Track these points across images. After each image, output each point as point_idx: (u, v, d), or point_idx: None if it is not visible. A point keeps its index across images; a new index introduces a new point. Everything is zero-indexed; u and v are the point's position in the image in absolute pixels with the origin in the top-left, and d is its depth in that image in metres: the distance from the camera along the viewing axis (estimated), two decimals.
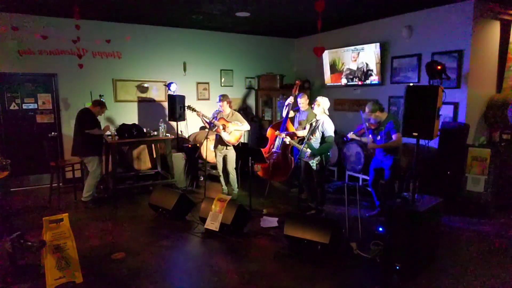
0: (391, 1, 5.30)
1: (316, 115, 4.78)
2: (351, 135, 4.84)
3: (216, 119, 5.53)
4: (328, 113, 4.80)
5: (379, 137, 4.65)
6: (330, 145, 4.68)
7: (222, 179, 5.88)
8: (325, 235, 3.63)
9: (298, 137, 5.25)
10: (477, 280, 3.30)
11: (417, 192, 3.50)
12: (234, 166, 5.73)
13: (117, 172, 5.96)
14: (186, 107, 5.82)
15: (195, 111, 5.50)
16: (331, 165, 6.67)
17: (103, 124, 5.94)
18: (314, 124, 4.75)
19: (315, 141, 4.74)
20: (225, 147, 5.62)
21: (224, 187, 5.88)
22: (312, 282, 3.30)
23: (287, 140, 4.99)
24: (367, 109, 4.65)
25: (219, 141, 5.63)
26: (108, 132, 5.66)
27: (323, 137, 4.70)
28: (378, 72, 6.41)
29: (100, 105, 5.48)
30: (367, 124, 4.67)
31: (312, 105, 4.88)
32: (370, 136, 4.72)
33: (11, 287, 3.18)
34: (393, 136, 4.47)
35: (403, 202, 3.46)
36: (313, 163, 4.73)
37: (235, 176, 5.78)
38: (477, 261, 3.66)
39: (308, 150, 4.70)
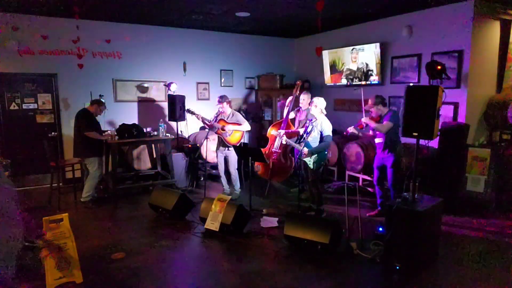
0: (391, 1, 5.30)
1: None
2: (351, 128, 4.87)
3: (216, 121, 5.53)
4: (325, 113, 4.83)
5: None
6: (327, 144, 4.74)
7: (223, 179, 5.87)
8: (325, 235, 3.63)
9: (298, 136, 5.24)
10: (477, 280, 3.29)
11: (417, 192, 3.51)
12: (236, 166, 5.72)
13: (117, 172, 5.95)
14: (185, 111, 5.81)
15: (194, 114, 5.50)
16: (331, 165, 6.67)
17: (102, 125, 5.93)
18: (314, 124, 4.76)
19: (313, 140, 4.75)
20: (226, 148, 5.62)
21: (226, 187, 5.87)
22: (312, 282, 3.30)
23: (284, 140, 4.99)
24: (370, 101, 4.72)
25: (220, 142, 5.64)
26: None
27: (321, 137, 4.73)
28: (378, 72, 6.42)
29: (97, 103, 5.46)
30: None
31: (309, 106, 4.90)
32: (371, 131, 4.84)
33: (11, 287, 3.18)
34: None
35: (403, 202, 3.46)
36: (310, 161, 4.74)
37: (237, 176, 5.78)
38: (477, 261, 3.65)
39: (305, 149, 4.72)
